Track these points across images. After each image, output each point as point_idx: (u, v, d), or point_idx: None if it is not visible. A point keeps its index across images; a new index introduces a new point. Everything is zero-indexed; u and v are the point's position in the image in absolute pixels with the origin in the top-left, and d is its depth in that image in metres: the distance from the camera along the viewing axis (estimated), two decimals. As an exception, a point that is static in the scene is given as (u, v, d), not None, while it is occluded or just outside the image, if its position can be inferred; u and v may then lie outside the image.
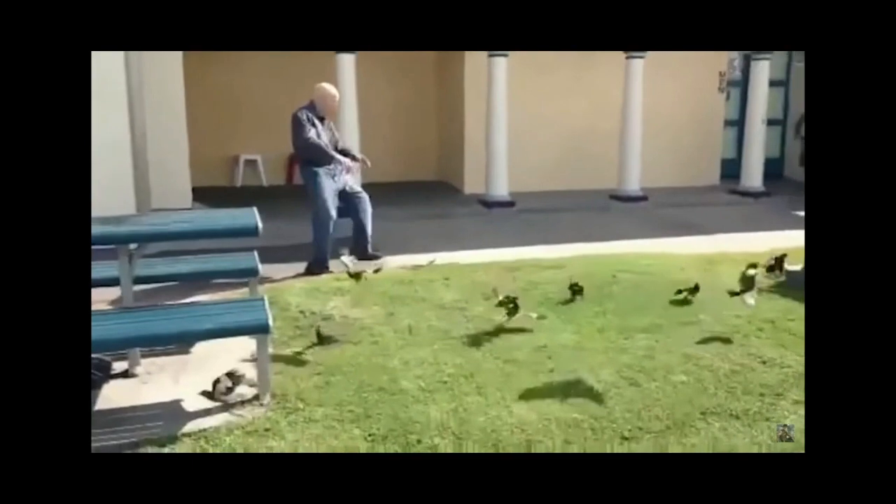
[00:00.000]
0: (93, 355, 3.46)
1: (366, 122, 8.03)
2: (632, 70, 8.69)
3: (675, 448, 2.75)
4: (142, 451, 2.70)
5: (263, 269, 4.22)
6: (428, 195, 9.18)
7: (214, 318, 3.15)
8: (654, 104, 9.20)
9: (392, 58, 9.74)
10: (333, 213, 5.49)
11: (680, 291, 4.55)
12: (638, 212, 8.41)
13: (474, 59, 8.74)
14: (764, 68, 9.15)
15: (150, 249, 3.93)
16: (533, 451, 2.73)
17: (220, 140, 9.29)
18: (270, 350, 3.51)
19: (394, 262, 5.74)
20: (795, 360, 3.54)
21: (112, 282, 3.56)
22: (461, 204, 8.63)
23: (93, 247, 4.02)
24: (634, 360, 3.59)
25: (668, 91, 9.60)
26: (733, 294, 4.23)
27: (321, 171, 5.47)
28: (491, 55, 8.19)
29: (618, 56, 8.74)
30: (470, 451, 2.73)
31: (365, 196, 5.79)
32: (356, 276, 4.80)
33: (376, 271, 5.16)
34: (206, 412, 3.05)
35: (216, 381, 3.22)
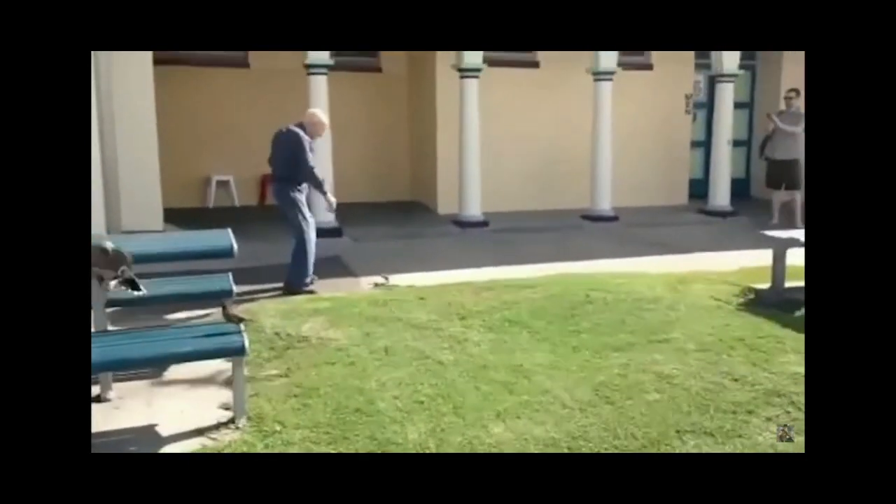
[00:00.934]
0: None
1: (339, 142, 8.04)
2: (600, 91, 8.86)
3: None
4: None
5: (237, 289, 4.19)
6: (402, 215, 9.20)
7: (191, 342, 3.13)
8: (623, 125, 9.38)
9: (364, 77, 9.80)
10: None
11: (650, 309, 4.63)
12: (609, 231, 8.53)
13: (445, 80, 8.84)
14: (729, 90, 9.40)
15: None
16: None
17: (191, 161, 9.21)
18: (245, 372, 3.48)
19: (368, 283, 5.74)
20: (766, 377, 3.62)
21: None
22: (435, 224, 8.66)
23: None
24: (609, 378, 3.64)
25: (636, 112, 9.79)
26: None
27: (303, 194, 5.57)
28: (462, 76, 8.29)
29: (587, 77, 8.91)
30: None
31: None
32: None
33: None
34: (181, 436, 3.01)
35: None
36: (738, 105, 9.88)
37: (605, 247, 7.55)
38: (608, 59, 8.70)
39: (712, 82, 9.85)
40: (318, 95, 7.67)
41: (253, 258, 5.71)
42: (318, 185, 5.59)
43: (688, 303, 4.92)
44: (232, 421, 3.13)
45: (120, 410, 3.30)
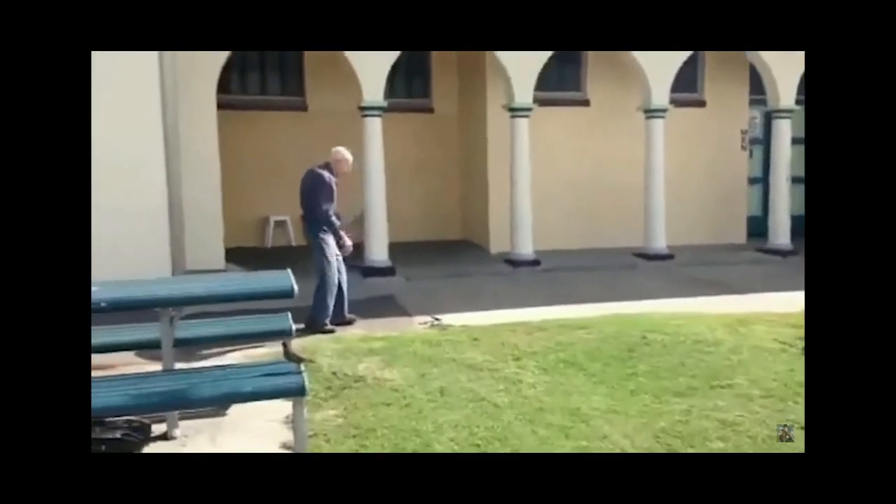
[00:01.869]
0: (131, 418, 3.53)
1: (391, 182, 8.19)
2: (652, 129, 8.83)
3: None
4: None
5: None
6: (453, 254, 9.27)
7: (252, 381, 3.20)
8: (677, 162, 9.30)
9: (417, 118, 10.00)
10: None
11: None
12: (664, 270, 8.40)
13: (496, 119, 8.95)
14: (786, 126, 9.24)
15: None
16: None
17: (250, 201, 9.51)
18: (305, 413, 3.53)
19: (421, 322, 5.78)
20: (835, 424, 3.48)
21: (152, 344, 3.64)
22: (486, 263, 8.69)
23: (133, 310, 4.13)
24: (670, 424, 3.55)
25: (689, 149, 9.71)
26: None
27: (329, 234, 5.66)
28: (513, 116, 8.38)
29: (638, 115, 8.90)
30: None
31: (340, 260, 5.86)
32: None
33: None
34: (243, 476, 3.07)
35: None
36: (795, 141, 9.70)
37: (659, 286, 7.43)
38: (660, 96, 8.69)
39: (768, 118, 9.71)
40: (372, 137, 7.86)
41: (308, 298, 5.82)
42: (330, 225, 5.63)
43: (750, 345, 4.79)
44: (292, 461, 3.17)
45: (186, 448, 3.39)
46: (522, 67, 8.21)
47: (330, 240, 5.66)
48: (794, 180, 9.83)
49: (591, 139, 9.58)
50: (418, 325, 5.79)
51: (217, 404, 3.60)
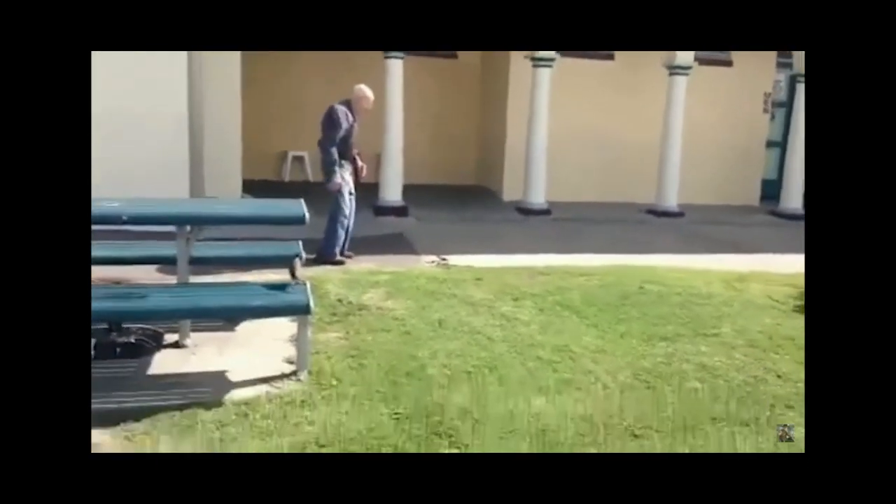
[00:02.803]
0: (146, 326, 3.78)
1: (409, 125, 8.28)
2: (675, 86, 8.78)
3: (681, 448, 2.90)
4: (191, 412, 2.96)
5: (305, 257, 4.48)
6: (466, 199, 9.40)
7: (261, 297, 3.42)
8: (696, 121, 9.26)
9: (438, 63, 10.00)
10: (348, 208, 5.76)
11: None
12: (674, 227, 8.48)
13: (518, 69, 8.94)
14: (810, 91, 9.13)
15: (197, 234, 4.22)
16: (546, 440, 2.91)
17: (269, 136, 9.66)
18: (309, 333, 3.75)
19: (428, 260, 5.97)
20: (811, 375, 3.64)
21: (169, 260, 3.86)
22: (498, 209, 8.82)
23: (153, 227, 4.33)
24: (652, 365, 3.74)
25: (711, 108, 9.64)
26: None
27: (345, 170, 5.72)
28: (535, 65, 8.37)
29: (662, 71, 8.84)
30: (488, 434, 2.92)
31: (353, 199, 5.92)
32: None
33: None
34: (249, 383, 3.32)
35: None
36: (819, 106, 9.58)
37: (667, 242, 7.54)
38: (685, 53, 8.61)
39: (793, 81, 9.58)
40: (393, 79, 7.92)
41: (320, 231, 6.01)
42: (327, 161, 5.62)
43: (742, 300, 4.93)
44: (294, 373, 3.41)
45: (195, 356, 3.63)
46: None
47: (346, 175, 5.77)
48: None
49: (613, 94, 9.54)
50: (425, 263, 5.98)
51: (226, 316, 3.83)
